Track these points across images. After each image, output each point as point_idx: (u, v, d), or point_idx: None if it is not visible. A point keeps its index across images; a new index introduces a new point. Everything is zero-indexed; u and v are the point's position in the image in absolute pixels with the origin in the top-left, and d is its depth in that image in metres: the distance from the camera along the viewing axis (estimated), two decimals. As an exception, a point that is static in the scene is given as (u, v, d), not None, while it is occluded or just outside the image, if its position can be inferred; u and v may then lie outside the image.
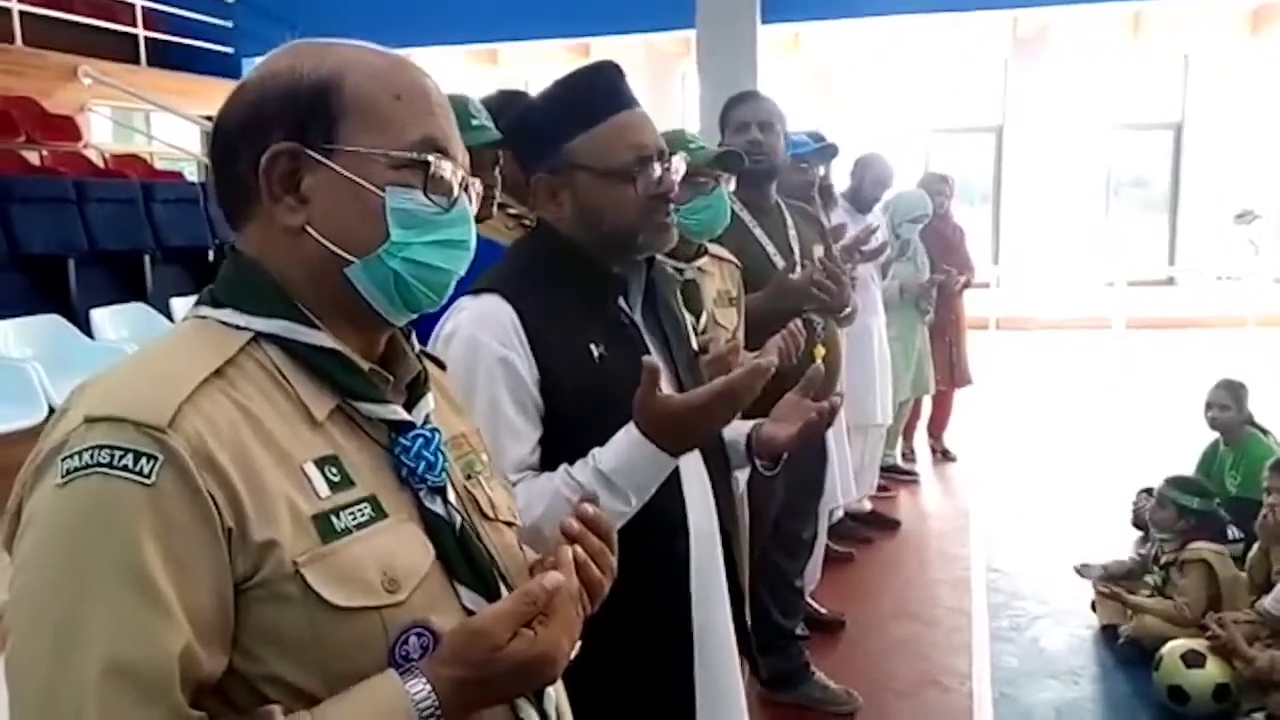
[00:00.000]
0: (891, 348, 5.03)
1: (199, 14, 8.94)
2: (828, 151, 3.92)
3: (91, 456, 0.80)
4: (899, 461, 5.91)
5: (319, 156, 0.94)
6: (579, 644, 0.98)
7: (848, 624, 3.90)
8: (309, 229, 0.94)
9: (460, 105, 2.23)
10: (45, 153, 6.89)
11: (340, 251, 0.94)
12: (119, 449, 0.80)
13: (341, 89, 0.95)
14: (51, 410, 4.19)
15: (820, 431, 1.65)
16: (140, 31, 8.57)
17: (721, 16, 7.43)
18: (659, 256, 1.72)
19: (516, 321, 1.49)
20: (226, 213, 1.00)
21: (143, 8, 8.63)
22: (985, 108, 12.08)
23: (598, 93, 1.55)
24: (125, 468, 0.80)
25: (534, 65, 11.15)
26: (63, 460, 0.81)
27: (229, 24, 9.14)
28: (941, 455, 6.27)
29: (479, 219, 2.33)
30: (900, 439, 5.98)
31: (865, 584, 4.38)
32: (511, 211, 2.51)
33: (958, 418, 6.42)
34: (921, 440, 6.31)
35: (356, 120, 0.95)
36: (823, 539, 3.77)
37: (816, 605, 3.89)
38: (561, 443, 1.50)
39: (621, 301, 1.59)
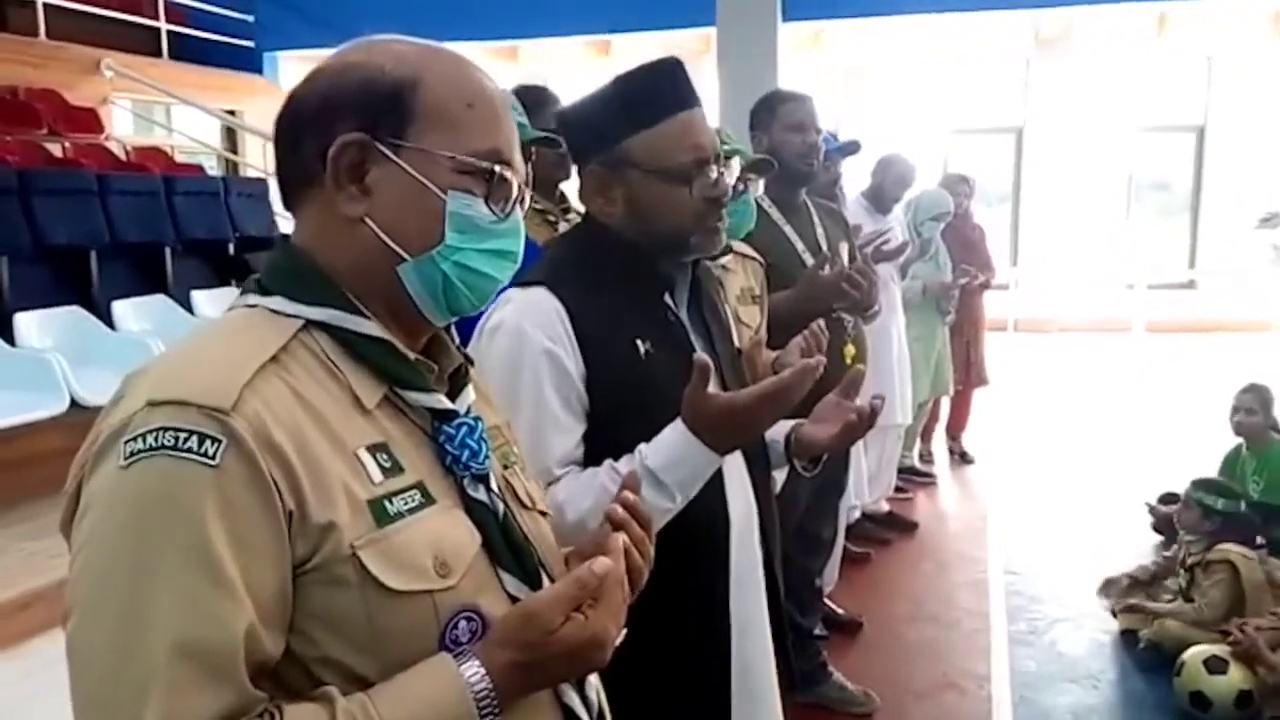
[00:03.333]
0: (912, 348, 5.02)
1: (220, 8, 8.96)
2: (849, 149, 3.91)
3: (156, 438, 0.81)
4: (916, 463, 5.89)
5: (388, 151, 0.95)
6: (624, 631, 0.99)
7: (865, 625, 3.89)
8: (368, 220, 0.96)
9: None
10: (67, 145, 6.90)
11: (395, 247, 0.96)
12: (183, 431, 0.81)
13: (418, 89, 0.96)
14: (74, 401, 4.22)
15: (861, 434, 1.64)
16: (162, 25, 8.59)
17: (742, 14, 7.40)
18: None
19: (564, 315, 1.48)
20: (284, 192, 1.01)
21: (165, 1, 8.66)
22: (1006, 108, 12.01)
23: (660, 90, 1.52)
24: (190, 449, 0.81)
25: (554, 62, 11.16)
26: (125, 443, 0.82)
27: (250, 18, 9.15)
28: (959, 457, 6.25)
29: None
30: (918, 440, 5.96)
31: (883, 585, 4.37)
32: (537, 207, 2.52)
33: (976, 420, 6.39)
34: (939, 442, 6.28)
35: (429, 122, 0.96)
36: (841, 539, 3.76)
37: (834, 606, 3.89)
38: (605, 438, 1.49)
39: (667, 298, 1.58)
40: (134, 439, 0.82)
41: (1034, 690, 3.40)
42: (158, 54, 8.57)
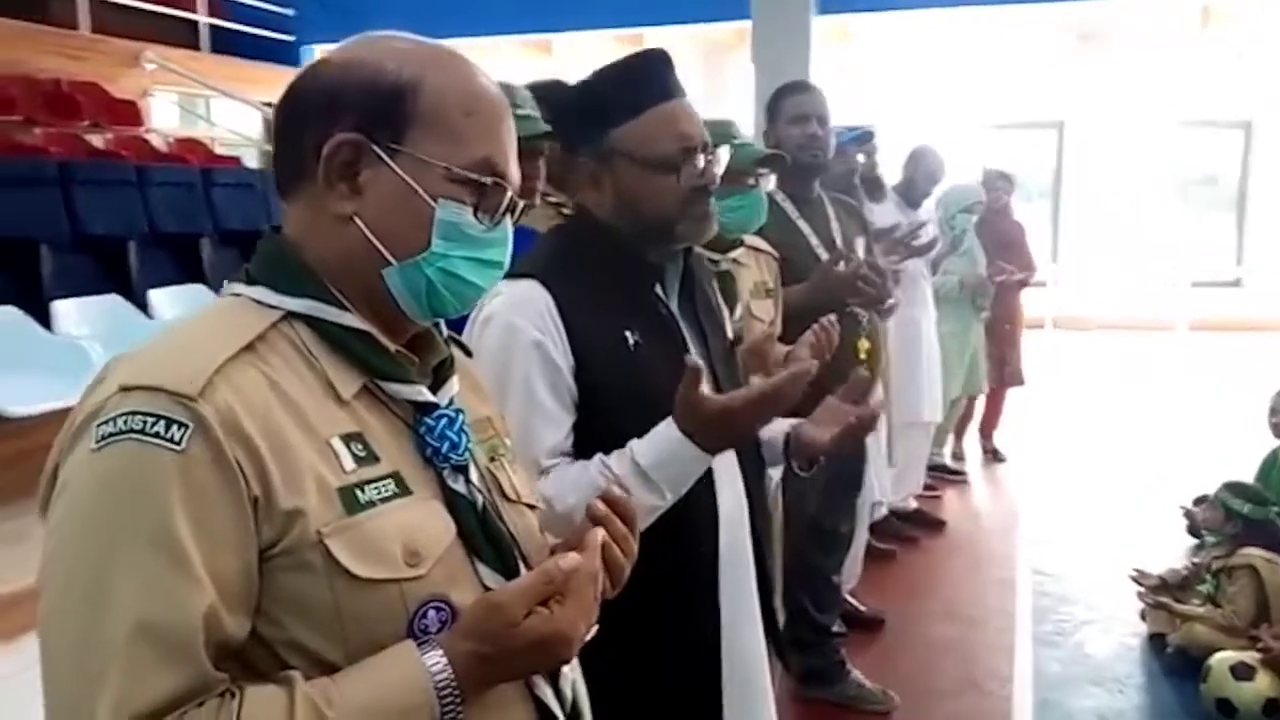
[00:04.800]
0: (946, 344, 4.97)
1: (261, 2, 9.07)
2: (863, 138, 3.88)
3: (125, 423, 0.83)
4: (948, 461, 5.82)
5: (382, 155, 0.96)
6: (595, 627, 0.99)
7: (888, 623, 3.86)
8: (356, 219, 0.97)
9: (507, 94, 2.22)
10: (109, 136, 7.04)
11: (382, 249, 0.97)
12: (152, 416, 0.83)
13: (419, 95, 0.97)
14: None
15: (859, 437, 1.63)
16: (203, 18, 8.73)
17: (776, 7, 7.37)
18: (696, 246, 1.71)
19: (552, 306, 1.49)
20: (279, 182, 1.02)
21: (206, -6, 8.79)
22: (1046, 102, 11.82)
23: (645, 80, 1.54)
24: (157, 434, 0.83)
25: (588, 56, 11.17)
26: (98, 426, 0.84)
27: (290, 11, 9.27)
28: (991, 456, 6.17)
29: (523, 210, 2.31)
30: (951, 438, 5.89)
31: (908, 583, 4.33)
32: (551, 200, 2.51)
33: (1010, 418, 6.31)
34: (972, 440, 6.20)
35: (426, 128, 0.97)
36: (862, 535, 3.73)
37: (856, 603, 3.86)
38: (595, 428, 1.50)
39: (658, 290, 1.58)
40: (106, 422, 0.84)
41: (1057, 692, 3.35)
42: (198, 47, 8.71)
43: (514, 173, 1.03)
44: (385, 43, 1.00)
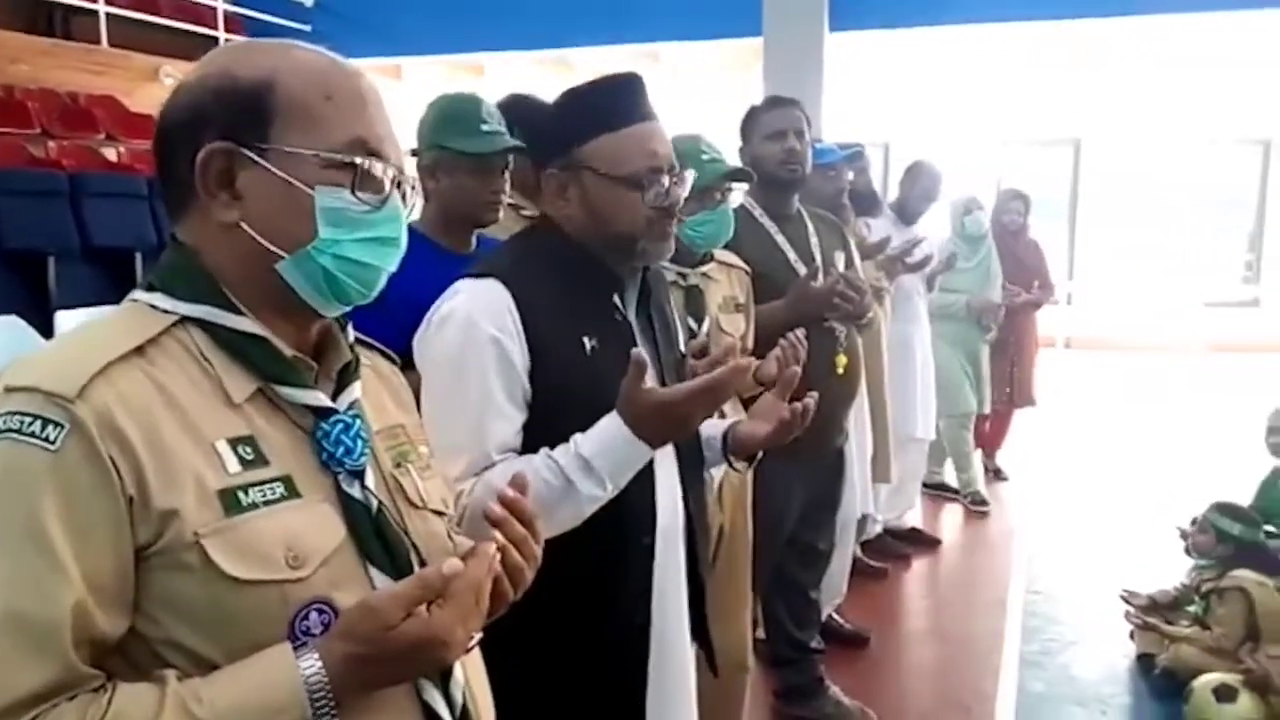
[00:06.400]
0: (947, 363, 4.93)
1: (279, 18, 9.17)
2: (854, 156, 3.86)
3: (4, 422, 0.86)
4: (946, 479, 5.76)
5: (252, 155, 0.97)
6: (479, 633, 1.00)
7: (873, 641, 3.83)
8: (243, 225, 0.98)
9: (472, 109, 2.25)
10: (123, 150, 7.12)
11: (271, 247, 0.98)
12: (29, 416, 0.86)
13: (274, 90, 0.98)
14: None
15: (793, 431, 1.65)
16: (221, 34, 8.82)
17: (788, 24, 7.37)
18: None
19: (513, 306, 1.52)
20: (168, 207, 1.04)
21: (224, 11, 8.89)
22: (1063, 119, 11.75)
23: (620, 100, 1.59)
24: (33, 434, 0.85)
25: (605, 72, 11.21)
26: None
27: (307, 28, 9.34)
28: (993, 475, 6.11)
29: (486, 224, 2.34)
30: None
31: (897, 601, 4.31)
32: (525, 213, 2.53)
33: (1016, 437, 6.25)
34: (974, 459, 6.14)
35: (288, 120, 0.98)
36: (845, 553, 3.70)
37: (841, 620, 3.83)
38: (547, 430, 1.52)
39: (616, 300, 1.62)
40: None
41: (1037, 713, 3.31)
42: (216, 62, 8.80)
43: (391, 150, 1.03)
44: (234, 51, 1.03)
